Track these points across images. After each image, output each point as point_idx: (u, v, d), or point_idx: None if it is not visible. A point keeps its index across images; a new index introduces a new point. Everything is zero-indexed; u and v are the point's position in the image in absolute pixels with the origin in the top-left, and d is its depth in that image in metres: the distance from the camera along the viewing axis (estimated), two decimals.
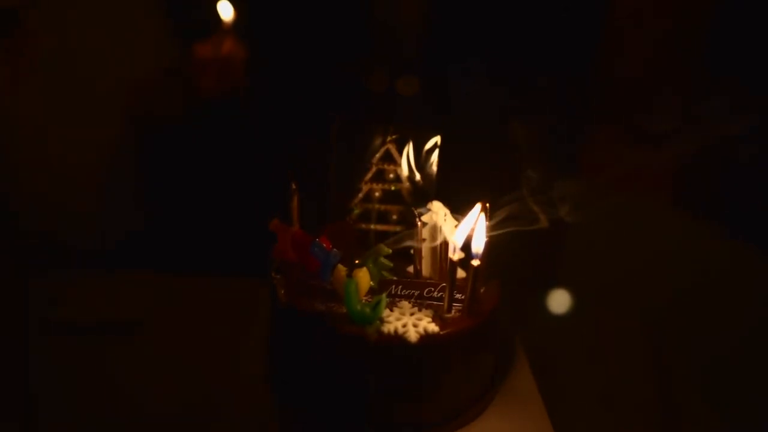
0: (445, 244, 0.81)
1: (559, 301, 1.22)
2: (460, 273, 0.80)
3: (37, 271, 1.15)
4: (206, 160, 1.35)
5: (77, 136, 1.26)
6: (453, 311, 0.76)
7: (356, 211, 0.90)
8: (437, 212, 0.82)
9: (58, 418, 0.86)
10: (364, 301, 0.75)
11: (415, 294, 0.79)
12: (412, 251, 0.83)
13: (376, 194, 0.90)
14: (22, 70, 1.15)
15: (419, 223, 0.80)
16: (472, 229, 0.75)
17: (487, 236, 0.75)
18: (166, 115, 1.33)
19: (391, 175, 0.89)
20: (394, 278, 0.79)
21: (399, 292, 0.79)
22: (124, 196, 1.35)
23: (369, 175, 0.89)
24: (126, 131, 1.33)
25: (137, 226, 1.37)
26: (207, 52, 1.25)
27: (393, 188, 0.90)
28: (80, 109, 1.25)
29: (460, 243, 0.75)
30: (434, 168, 0.88)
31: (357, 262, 0.77)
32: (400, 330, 0.72)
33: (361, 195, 0.90)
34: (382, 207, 0.90)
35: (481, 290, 0.81)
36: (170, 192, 1.39)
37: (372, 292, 0.78)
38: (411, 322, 0.73)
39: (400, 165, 0.89)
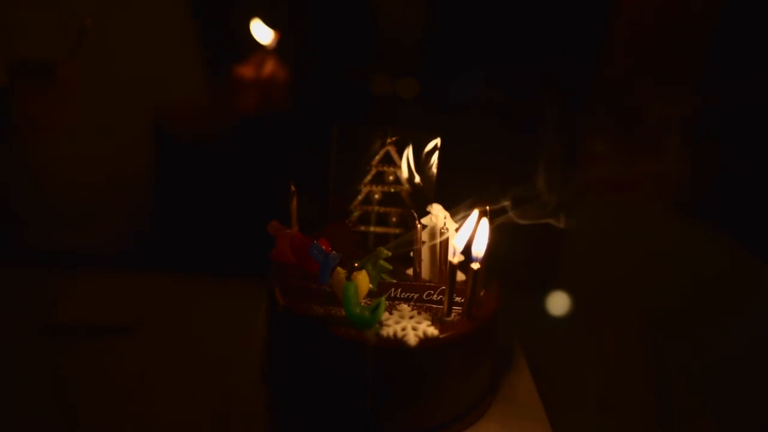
0: (444, 247, 0.81)
1: (559, 304, 1.22)
2: (460, 276, 0.80)
3: (36, 272, 1.15)
4: (207, 162, 1.35)
5: (92, 147, 1.27)
6: (453, 314, 0.76)
7: (355, 214, 0.90)
8: (437, 215, 0.82)
9: (56, 420, 0.86)
10: (363, 304, 0.75)
11: (415, 297, 0.79)
12: (411, 254, 0.82)
13: (376, 196, 0.89)
14: (58, 118, 1.16)
15: (419, 226, 0.80)
16: (473, 234, 0.75)
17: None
18: (190, 134, 1.34)
19: (391, 178, 0.89)
20: (394, 281, 0.79)
21: (398, 295, 0.79)
22: (126, 197, 1.35)
23: (368, 177, 0.89)
24: (138, 141, 1.33)
25: (137, 227, 1.37)
26: (248, 73, 1.24)
27: (392, 190, 0.89)
28: (98, 120, 1.25)
29: (460, 247, 0.74)
30: (434, 170, 0.88)
31: (356, 264, 0.77)
32: (400, 333, 0.72)
33: (360, 197, 0.89)
34: (382, 209, 0.90)
35: (481, 293, 0.81)
36: (170, 193, 1.39)
37: (371, 295, 0.78)
38: (410, 326, 0.73)
39: (399, 167, 0.88)
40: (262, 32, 1.19)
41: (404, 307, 0.78)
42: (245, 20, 1.19)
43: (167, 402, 0.89)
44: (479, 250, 0.74)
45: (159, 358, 0.98)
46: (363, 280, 0.75)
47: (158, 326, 1.05)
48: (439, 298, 0.78)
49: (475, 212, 0.77)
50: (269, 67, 1.23)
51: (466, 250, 0.75)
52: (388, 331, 0.72)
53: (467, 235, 0.76)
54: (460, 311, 0.77)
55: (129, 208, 1.37)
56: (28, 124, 1.10)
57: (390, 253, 0.78)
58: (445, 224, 0.81)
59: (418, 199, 0.88)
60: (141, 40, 1.25)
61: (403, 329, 0.72)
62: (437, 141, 0.87)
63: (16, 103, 1.05)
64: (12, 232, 1.27)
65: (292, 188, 0.83)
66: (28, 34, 1.14)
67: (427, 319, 0.75)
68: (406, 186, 0.89)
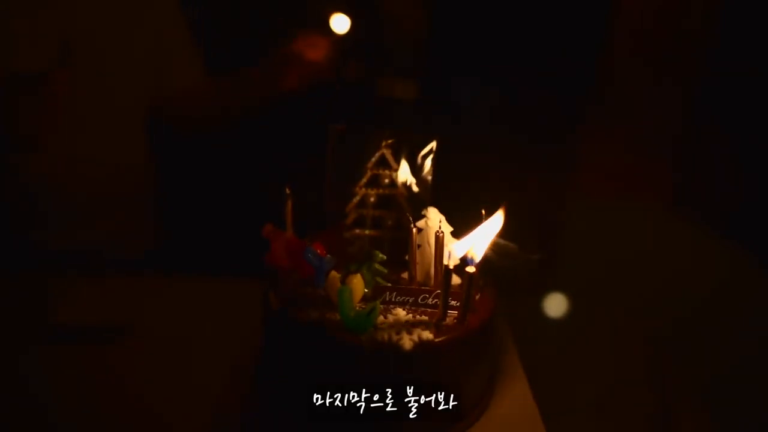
0: (440, 250, 0.81)
1: (555, 307, 1.22)
2: (455, 279, 0.80)
3: (36, 273, 1.15)
4: (205, 164, 1.35)
5: (91, 149, 1.27)
6: (448, 318, 0.76)
7: (351, 217, 0.89)
8: (433, 218, 0.82)
9: (55, 420, 0.86)
10: (358, 308, 0.74)
11: (410, 301, 0.79)
12: (406, 257, 0.82)
13: (371, 199, 0.89)
14: (49, 127, 1.16)
15: (414, 229, 0.80)
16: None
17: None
18: (189, 128, 1.34)
19: (387, 181, 0.88)
20: (389, 285, 0.79)
21: (393, 299, 0.79)
22: (125, 199, 1.35)
23: (364, 180, 0.89)
24: (136, 142, 1.34)
25: (137, 229, 1.37)
26: (307, 53, 1.27)
27: (388, 194, 0.89)
28: (96, 123, 1.26)
29: (459, 255, 0.74)
30: (430, 174, 0.87)
31: (351, 269, 0.76)
32: (395, 337, 0.72)
33: (356, 200, 0.89)
34: (377, 212, 0.90)
35: (477, 297, 0.81)
36: (170, 195, 1.39)
37: (366, 298, 0.78)
38: (405, 330, 0.73)
39: (395, 170, 0.88)
40: (340, 22, 1.27)
41: (399, 310, 0.77)
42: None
43: (165, 402, 0.89)
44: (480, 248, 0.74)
45: (157, 359, 0.98)
46: (358, 284, 0.75)
47: (156, 327, 1.06)
48: (434, 301, 0.78)
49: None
50: (323, 45, 1.28)
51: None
52: (383, 335, 0.72)
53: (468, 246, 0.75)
54: (455, 315, 0.77)
55: (128, 209, 1.37)
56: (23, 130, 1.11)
57: (385, 257, 0.77)
58: (440, 227, 0.80)
59: (413, 203, 0.88)
60: (136, 37, 1.25)
61: (399, 333, 0.72)
62: (433, 144, 0.87)
63: (10, 111, 1.06)
64: (12, 233, 1.27)
65: (287, 191, 0.83)
66: (23, 44, 1.15)
67: (422, 323, 0.75)
68: (402, 189, 0.88)
